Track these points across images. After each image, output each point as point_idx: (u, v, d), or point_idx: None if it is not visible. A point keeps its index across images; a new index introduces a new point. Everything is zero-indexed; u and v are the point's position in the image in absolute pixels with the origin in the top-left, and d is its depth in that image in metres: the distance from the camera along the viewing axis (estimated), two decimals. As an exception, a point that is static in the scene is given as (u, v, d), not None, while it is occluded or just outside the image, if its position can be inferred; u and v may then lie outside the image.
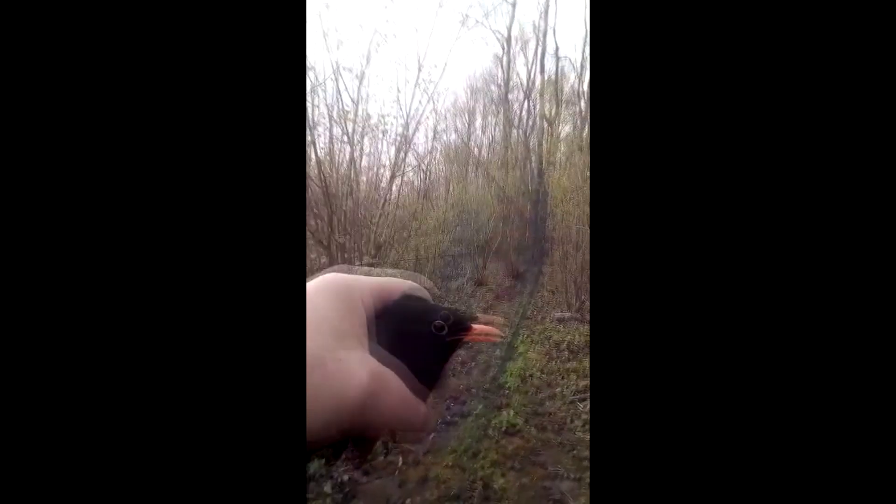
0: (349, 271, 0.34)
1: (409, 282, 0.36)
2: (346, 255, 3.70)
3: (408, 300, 0.34)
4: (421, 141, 7.00)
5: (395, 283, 0.35)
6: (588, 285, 6.55)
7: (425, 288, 0.36)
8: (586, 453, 2.52)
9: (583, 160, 7.28)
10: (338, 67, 4.29)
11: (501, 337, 0.38)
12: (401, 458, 2.37)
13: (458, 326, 0.34)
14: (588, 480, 2.25)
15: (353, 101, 4.36)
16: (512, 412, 2.99)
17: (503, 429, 2.77)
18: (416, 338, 0.32)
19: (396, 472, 2.26)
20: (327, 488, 2.11)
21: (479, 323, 0.35)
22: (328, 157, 4.45)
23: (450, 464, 2.34)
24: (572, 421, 2.96)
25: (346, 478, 2.17)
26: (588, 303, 6.22)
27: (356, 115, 4.41)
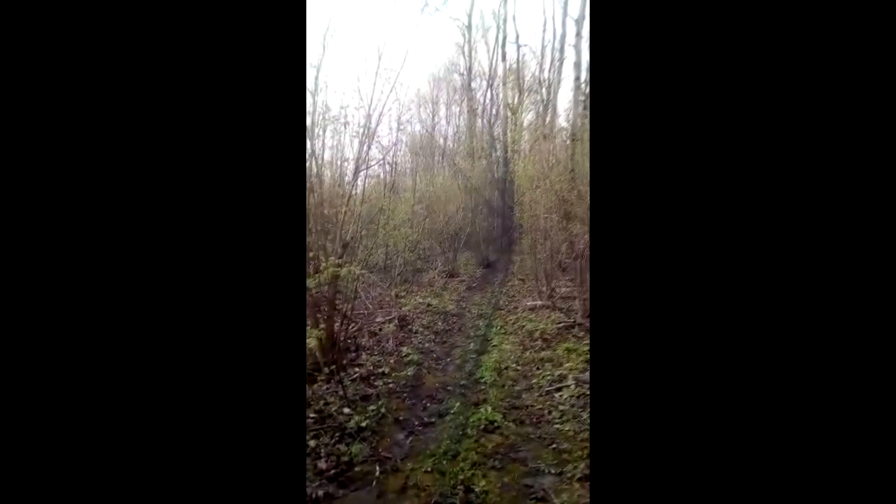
0: None
1: None
2: (310, 255, 3.53)
3: None
4: (385, 132, 6.81)
5: None
6: (557, 272, 6.62)
7: None
8: (566, 446, 2.51)
9: (547, 147, 7.30)
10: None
11: None
12: (378, 467, 2.28)
13: None
14: (569, 474, 2.24)
15: (310, 92, 4.15)
16: (489, 408, 2.95)
17: (482, 426, 2.72)
18: None
19: (374, 483, 2.17)
20: (301, 505, 2.01)
21: None
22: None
23: (429, 468, 2.27)
24: (550, 412, 2.96)
25: (320, 493, 2.06)
26: (559, 289, 6.28)
27: (315, 106, 4.20)
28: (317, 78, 4.10)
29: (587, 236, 5.20)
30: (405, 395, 3.24)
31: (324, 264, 3.28)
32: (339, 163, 4.78)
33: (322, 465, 2.29)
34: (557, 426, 2.76)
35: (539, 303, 6.00)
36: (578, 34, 10.53)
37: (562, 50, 12.43)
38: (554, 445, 2.53)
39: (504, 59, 14.49)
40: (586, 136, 6.01)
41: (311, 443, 2.48)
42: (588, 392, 3.21)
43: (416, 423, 2.82)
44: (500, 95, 15.01)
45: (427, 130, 16.09)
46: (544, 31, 14.29)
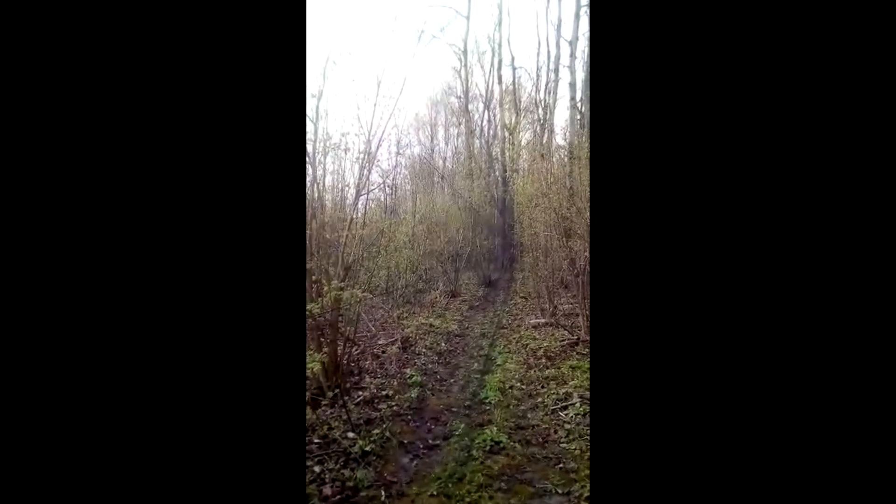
0: None
1: None
2: (312, 279, 3.56)
3: None
4: (385, 157, 6.93)
5: None
6: (559, 289, 6.62)
7: None
8: (572, 465, 2.48)
9: (545, 166, 7.40)
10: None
11: None
12: (383, 492, 2.26)
13: None
14: (577, 493, 2.21)
15: (311, 120, 4.25)
16: (495, 429, 2.93)
17: (487, 448, 2.70)
18: None
19: (380, 508, 2.15)
20: (306, 533, 1.98)
21: None
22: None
23: (435, 492, 2.25)
24: (556, 431, 2.93)
25: (326, 520, 2.04)
26: (561, 306, 6.27)
27: (316, 133, 4.30)
28: (317, 107, 4.21)
29: (588, 252, 5.23)
30: (409, 417, 3.22)
31: (326, 288, 3.31)
32: (340, 188, 4.87)
33: (327, 490, 2.27)
34: (564, 445, 2.73)
35: (542, 320, 5.98)
36: (572, 55, 10.78)
37: (556, 71, 12.71)
38: (561, 465, 2.50)
39: (500, 81, 14.81)
40: (583, 153, 6.09)
41: (316, 468, 2.46)
42: (593, 410, 3.17)
43: (421, 445, 2.79)
44: (498, 116, 15.28)
45: (426, 152, 16.34)
46: (538, 53, 14.65)
